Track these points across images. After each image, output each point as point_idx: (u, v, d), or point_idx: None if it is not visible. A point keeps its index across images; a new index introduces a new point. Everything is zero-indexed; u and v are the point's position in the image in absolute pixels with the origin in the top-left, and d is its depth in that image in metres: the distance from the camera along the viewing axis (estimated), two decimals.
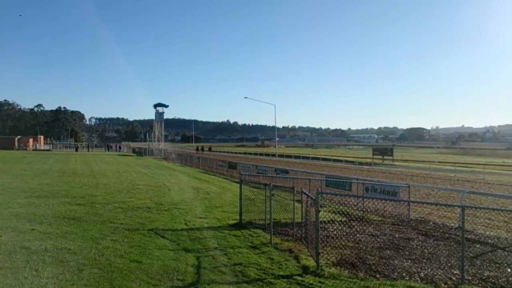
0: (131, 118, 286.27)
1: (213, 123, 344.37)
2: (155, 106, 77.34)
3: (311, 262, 7.52)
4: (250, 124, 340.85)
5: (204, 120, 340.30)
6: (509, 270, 7.62)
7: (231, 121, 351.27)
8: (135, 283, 6.07)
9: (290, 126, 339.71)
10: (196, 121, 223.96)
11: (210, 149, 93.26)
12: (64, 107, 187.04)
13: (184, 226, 10.47)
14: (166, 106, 78.59)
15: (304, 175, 21.33)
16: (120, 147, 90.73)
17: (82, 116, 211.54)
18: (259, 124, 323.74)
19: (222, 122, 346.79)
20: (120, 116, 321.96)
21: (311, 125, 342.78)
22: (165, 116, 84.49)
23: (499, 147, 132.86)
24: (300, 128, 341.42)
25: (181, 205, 13.69)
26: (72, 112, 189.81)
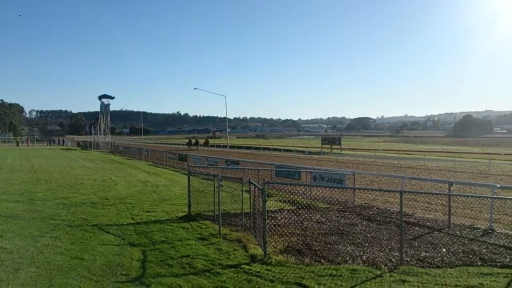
0: (75, 110, 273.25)
1: (163, 115, 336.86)
2: (100, 97, 73.94)
3: (259, 251, 7.60)
4: (201, 116, 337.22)
5: (153, 112, 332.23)
6: (444, 250, 8.12)
7: (182, 113, 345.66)
8: (76, 280, 5.84)
9: (241, 117, 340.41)
10: (144, 113, 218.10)
11: (206, 143, 70.35)
12: (1, 100, 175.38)
13: (131, 221, 10.20)
14: (112, 98, 75.36)
15: (254, 166, 21.46)
16: (63, 141, 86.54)
17: (21, 109, 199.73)
18: (210, 115, 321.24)
19: (172, 114, 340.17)
20: (63, 109, 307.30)
21: (263, 116, 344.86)
22: (112, 108, 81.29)
23: (439, 134, 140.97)
24: (252, 119, 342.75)
25: (128, 199, 13.32)
26: (10, 105, 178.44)
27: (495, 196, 10.83)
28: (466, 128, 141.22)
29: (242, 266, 6.83)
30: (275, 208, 11.88)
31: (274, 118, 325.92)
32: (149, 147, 56.30)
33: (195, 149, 64.50)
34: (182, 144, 77.43)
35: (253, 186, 8.91)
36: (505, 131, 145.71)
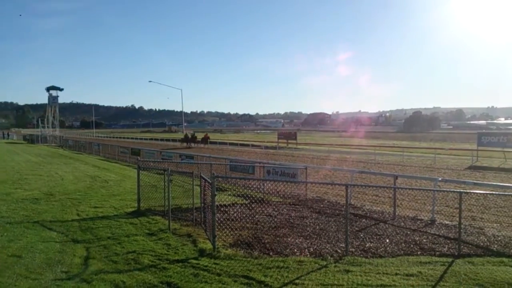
0: (21, 103, 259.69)
1: (116, 107, 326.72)
2: (48, 89, 70.24)
3: (208, 245, 7.55)
4: (157, 109, 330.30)
5: (106, 104, 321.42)
6: (387, 240, 8.43)
7: (136, 106, 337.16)
8: (12, 279, 5.55)
9: (198, 111, 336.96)
10: (96, 106, 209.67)
11: (206, 140, 51.60)
12: None
13: (76, 217, 9.82)
14: (61, 89, 71.88)
15: (209, 160, 21.32)
16: (8, 134, 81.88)
17: None
18: (166, 109, 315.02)
19: (126, 107, 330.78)
20: (9, 101, 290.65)
21: (220, 110, 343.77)
22: (61, 100, 77.80)
23: (390, 130, 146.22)
24: (209, 113, 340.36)
25: (74, 195, 12.82)
26: None
27: (437, 189, 11.39)
28: (416, 124, 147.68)
29: (190, 260, 6.77)
30: (228, 202, 11.87)
31: (232, 112, 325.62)
32: (114, 142, 54.46)
33: (194, 147, 49.13)
34: (167, 140, 66.89)
35: (204, 181, 8.83)
36: (451, 127, 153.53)
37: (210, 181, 7.53)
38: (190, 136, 55.05)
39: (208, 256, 6.98)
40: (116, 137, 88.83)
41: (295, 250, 7.52)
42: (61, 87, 71.78)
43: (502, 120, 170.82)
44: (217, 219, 7.52)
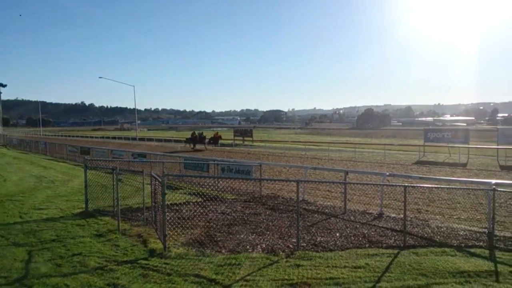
0: None
1: (65, 104, 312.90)
2: None
3: (159, 245, 7.40)
4: (109, 106, 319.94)
5: (54, 101, 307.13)
6: (338, 234, 8.64)
7: (87, 103, 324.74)
8: None
9: (153, 109, 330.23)
10: (44, 103, 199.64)
11: (216, 141, 44.15)
12: None
13: (18, 219, 9.31)
14: (4, 86, 68.20)
15: (163, 158, 20.92)
16: None
17: None
18: (119, 106, 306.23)
19: (76, 104, 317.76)
20: None
21: (175, 108, 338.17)
22: (5, 97, 73.75)
23: (344, 127, 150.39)
24: (164, 110, 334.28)
25: (17, 197, 12.15)
26: None
27: (384, 183, 11.81)
28: (368, 120, 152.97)
29: (139, 261, 6.60)
30: (181, 201, 11.70)
31: (188, 110, 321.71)
32: (67, 141, 51.91)
33: (202, 149, 40.23)
34: (170, 140, 56.08)
35: (154, 179, 8.64)
36: (401, 123, 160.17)
37: (161, 180, 7.36)
38: (197, 135, 42.66)
39: (158, 256, 6.83)
40: (66, 136, 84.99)
41: (248, 247, 7.53)
42: (3, 83, 67.82)
43: (448, 117, 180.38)
44: (169, 218, 7.39)
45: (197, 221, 9.36)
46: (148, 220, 9.28)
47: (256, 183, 14.52)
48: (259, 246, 7.55)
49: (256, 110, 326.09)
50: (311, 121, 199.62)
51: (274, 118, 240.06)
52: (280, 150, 39.99)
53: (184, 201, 11.77)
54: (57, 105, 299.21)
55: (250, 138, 50.16)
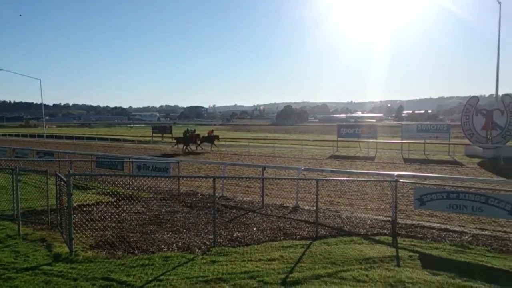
0: None
1: None
2: None
3: (65, 249, 6.90)
4: (12, 102, 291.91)
5: None
6: (255, 229, 8.77)
7: None
8: None
9: (63, 104, 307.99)
10: None
11: (213, 140, 35.50)
12: None
13: None
14: None
15: (73, 157, 19.60)
16: None
17: None
18: (24, 101, 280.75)
19: None
20: None
21: (88, 103, 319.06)
22: None
23: (264, 123, 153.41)
24: (76, 106, 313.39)
25: None
26: None
27: (299, 178, 12.24)
28: (287, 117, 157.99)
29: (42, 267, 6.09)
30: (92, 202, 11.08)
31: (102, 105, 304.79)
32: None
33: (200, 151, 32.70)
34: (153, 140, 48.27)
35: (59, 179, 8.02)
36: (317, 120, 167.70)
37: (66, 179, 6.85)
38: (190, 134, 34.21)
39: (64, 261, 6.36)
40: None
41: (162, 246, 7.32)
42: None
43: (359, 114, 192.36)
44: (77, 220, 6.93)
45: (108, 222, 8.90)
46: (54, 223, 8.61)
47: (174, 181, 14.22)
48: (174, 245, 7.38)
49: (176, 106, 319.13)
50: (232, 117, 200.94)
51: (195, 115, 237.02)
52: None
53: (95, 201, 11.15)
54: None
55: (170, 135, 49.18)
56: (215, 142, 35.37)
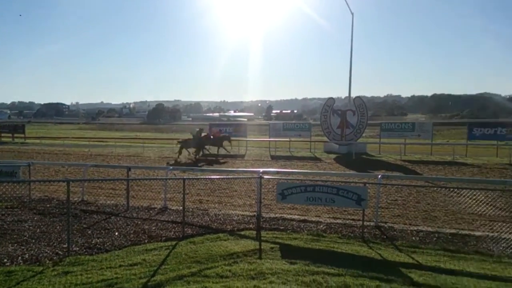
0: None
1: None
2: None
3: None
4: None
5: None
6: (117, 233, 8.26)
7: None
8: None
9: None
10: None
11: (221, 142, 27.42)
12: None
13: None
14: None
15: None
16: None
17: None
18: None
19: None
20: None
21: None
22: None
23: (135, 122, 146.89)
24: None
25: None
26: None
27: (166, 177, 11.97)
28: (159, 115, 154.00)
29: None
30: None
31: None
32: None
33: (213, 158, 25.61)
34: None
35: None
36: (190, 118, 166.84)
37: None
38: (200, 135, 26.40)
39: None
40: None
41: (5, 260, 6.41)
42: None
43: (232, 113, 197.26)
44: None
45: None
46: None
47: (24, 186, 12.61)
48: (20, 258, 6.52)
49: (31, 103, 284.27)
50: (98, 116, 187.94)
51: (54, 112, 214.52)
52: (59, 147, 36.23)
53: None
54: None
55: (23, 135, 44.03)
56: (224, 143, 27.66)
